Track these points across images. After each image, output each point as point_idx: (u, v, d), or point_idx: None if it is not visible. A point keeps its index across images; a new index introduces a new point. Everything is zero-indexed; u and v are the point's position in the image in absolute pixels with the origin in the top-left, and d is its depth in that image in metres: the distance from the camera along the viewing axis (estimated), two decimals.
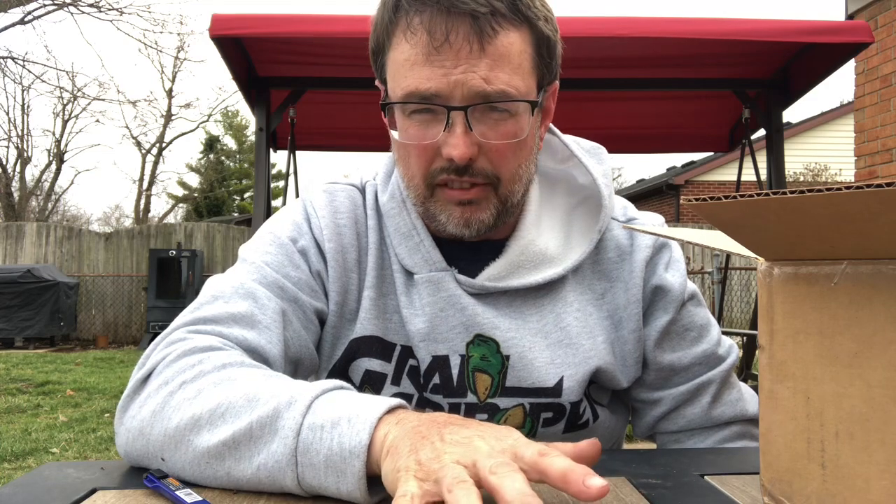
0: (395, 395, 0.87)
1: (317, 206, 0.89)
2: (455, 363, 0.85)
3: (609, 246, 0.90)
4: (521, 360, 0.84)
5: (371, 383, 0.88)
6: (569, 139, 0.93)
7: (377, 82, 0.86)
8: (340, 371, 0.89)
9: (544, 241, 0.87)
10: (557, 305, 0.87)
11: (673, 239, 0.89)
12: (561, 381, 0.85)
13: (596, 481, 0.48)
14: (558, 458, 0.50)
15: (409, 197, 0.84)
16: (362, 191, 0.92)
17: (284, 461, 0.58)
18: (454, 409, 0.86)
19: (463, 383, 0.85)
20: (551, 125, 0.91)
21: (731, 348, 0.95)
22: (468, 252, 0.87)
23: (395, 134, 0.82)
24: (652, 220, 0.95)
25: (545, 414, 0.86)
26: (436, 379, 0.86)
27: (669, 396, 0.92)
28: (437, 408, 0.87)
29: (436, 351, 0.85)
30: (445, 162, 0.78)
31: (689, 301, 0.92)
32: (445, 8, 0.73)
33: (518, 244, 0.86)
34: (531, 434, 0.87)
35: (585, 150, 0.93)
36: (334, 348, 0.88)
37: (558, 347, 0.85)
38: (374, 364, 0.87)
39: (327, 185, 0.91)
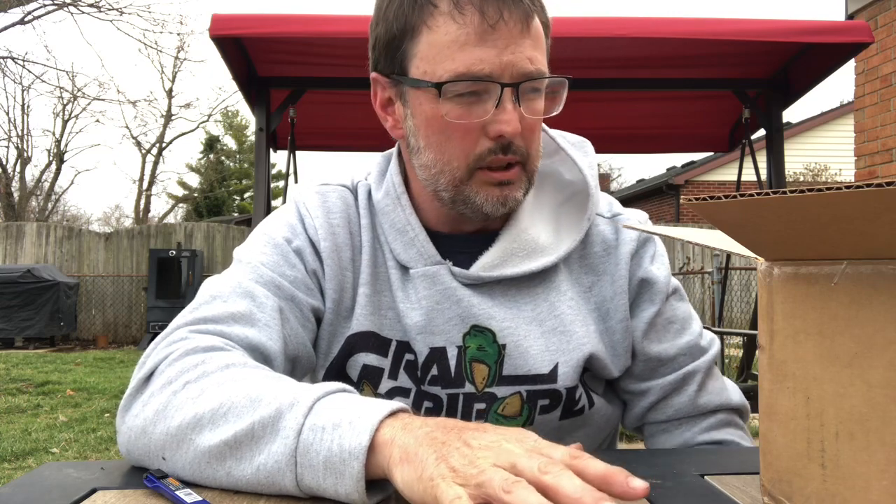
0: (393, 388, 0.88)
1: (310, 207, 0.90)
2: (452, 354, 0.86)
3: (595, 241, 0.92)
4: (517, 348, 0.86)
5: (369, 378, 0.89)
6: (555, 133, 0.94)
7: (375, 74, 0.86)
8: (338, 368, 0.90)
9: (536, 230, 0.89)
10: (551, 294, 0.88)
11: (673, 239, 0.89)
12: (556, 367, 0.86)
13: (639, 482, 0.49)
14: (592, 459, 0.51)
15: (438, 184, 0.84)
16: (354, 191, 0.93)
17: (284, 461, 0.58)
18: (453, 399, 0.87)
19: (461, 374, 0.87)
20: None
21: (712, 341, 0.98)
22: (462, 245, 0.89)
23: (420, 118, 0.82)
24: (636, 217, 0.97)
25: (542, 401, 0.87)
26: (434, 370, 0.87)
27: (657, 386, 0.94)
28: (436, 399, 0.88)
29: (433, 343, 0.86)
30: (491, 142, 0.79)
31: (672, 295, 0.95)
32: None
33: (511, 232, 0.87)
34: (529, 421, 0.88)
35: (572, 143, 0.94)
36: (331, 346, 0.89)
37: (553, 335, 0.87)
38: (371, 359, 0.88)
39: (319, 187, 0.93)
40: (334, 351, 0.89)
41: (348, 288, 0.88)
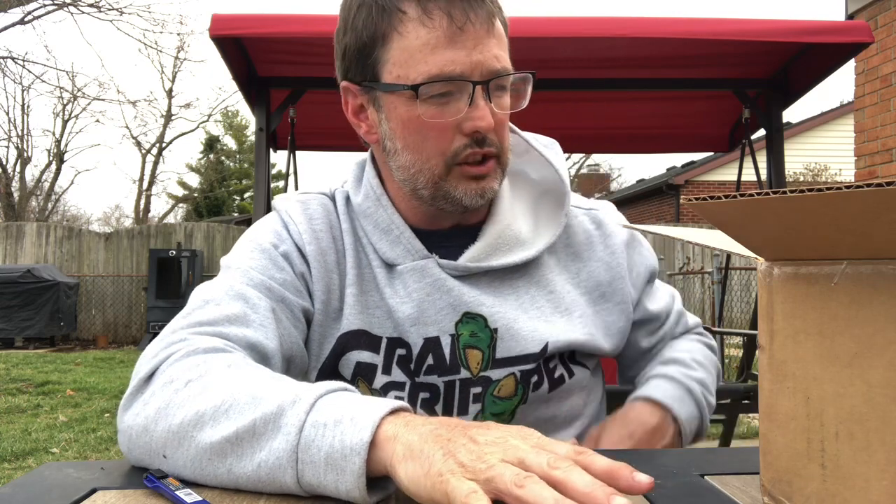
0: (388, 383, 0.90)
1: (292, 214, 0.92)
2: (446, 343, 0.89)
3: (577, 231, 0.98)
4: (508, 331, 0.89)
5: (363, 374, 0.90)
6: (525, 135, 0.98)
7: (346, 83, 0.89)
8: (330, 367, 0.91)
9: (518, 225, 0.93)
10: (532, 288, 0.93)
11: (673, 239, 0.91)
12: (546, 346, 0.90)
13: (643, 476, 0.49)
14: (597, 455, 0.52)
15: (417, 182, 0.87)
16: (332, 198, 0.97)
17: (285, 458, 0.59)
18: (449, 386, 0.89)
19: (455, 361, 0.89)
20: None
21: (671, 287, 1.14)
22: (444, 240, 0.92)
23: (393, 121, 0.86)
24: (604, 207, 1.04)
25: (534, 378, 0.91)
26: (430, 360, 0.89)
27: (667, 333, 1.09)
28: (432, 389, 0.90)
29: (426, 333, 0.89)
30: (466, 138, 0.83)
31: None
32: None
33: (495, 228, 0.92)
34: (522, 401, 0.91)
35: (543, 144, 0.99)
36: (322, 347, 0.90)
37: (538, 321, 0.92)
38: (364, 356, 0.90)
39: (299, 195, 0.96)
40: (325, 352, 0.90)
41: (335, 290, 0.90)
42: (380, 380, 0.90)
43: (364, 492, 0.56)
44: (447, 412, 0.90)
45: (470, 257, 0.90)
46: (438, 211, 0.90)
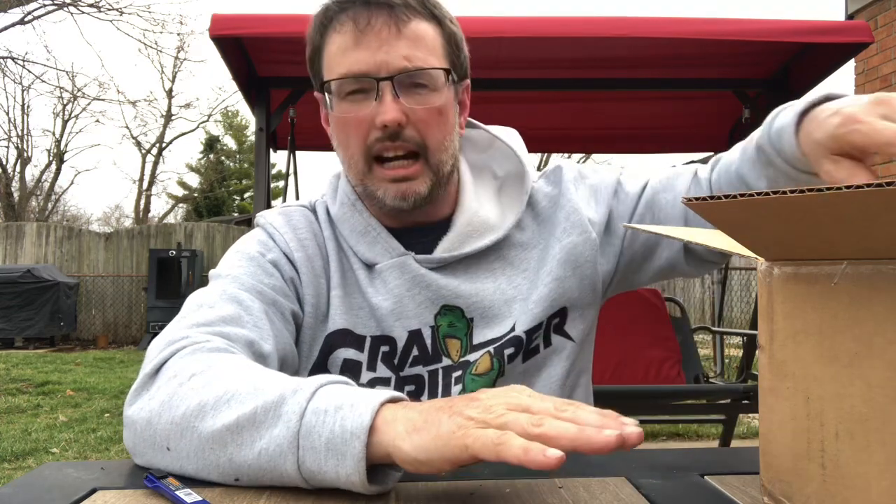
0: (373, 379, 0.93)
1: (277, 226, 0.96)
2: (427, 334, 0.94)
3: (540, 198, 1.02)
4: (483, 318, 0.95)
5: (350, 371, 0.93)
6: (488, 127, 1.03)
7: (316, 93, 0.95)
8: (320, 366, 0.94)
9: (485, 211, 0.98)
10: (507, 269, 0.97)
11: (673, 238, 0.91)
12: (514, 325, 0.94)
13: (630, 420, 0.52)
14: (587, 405, 0.55)
15: (351, 179, 0.94)
16: (313, 209, 1.01)
17: (286, 444, 0.60)
18: (433, 375, 0.94)
19: (437, 350, 0.94)
20: (470, 118, 1.02)
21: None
22: (419, 236, 0.96)
23: (331, 120, 0.92)
24: (555, 165, 1.04)
25: (507, 350, 0.93)
26: (415, 351, 0.94)
27: (669, 182, 1.00)
28: (417, 379, 0.94)
29: (409, 326, 0.93)
30: (378, 131, 0.87)
31: (582, 181, 1.02)
32: (365, 2, 0.86)
33: (464, 217, 0.96)
34: (500, 374, 0.94)
35: (505, 132, 1.03)
36: (312, 348, 0.93)
37: (514, 302, 0.96)
38: (350, 353, 0.93)
39: (281, 209, 1.01)
40: (315, 352, 0.93)
41: (323, 293, 0.94)
42: (365, 376, 0.93)
43: (363, 476, 0.57)
44: (432, 398, 0.91)
45: (444, 248, 0.94)
46: (390, 210, 0.92)
